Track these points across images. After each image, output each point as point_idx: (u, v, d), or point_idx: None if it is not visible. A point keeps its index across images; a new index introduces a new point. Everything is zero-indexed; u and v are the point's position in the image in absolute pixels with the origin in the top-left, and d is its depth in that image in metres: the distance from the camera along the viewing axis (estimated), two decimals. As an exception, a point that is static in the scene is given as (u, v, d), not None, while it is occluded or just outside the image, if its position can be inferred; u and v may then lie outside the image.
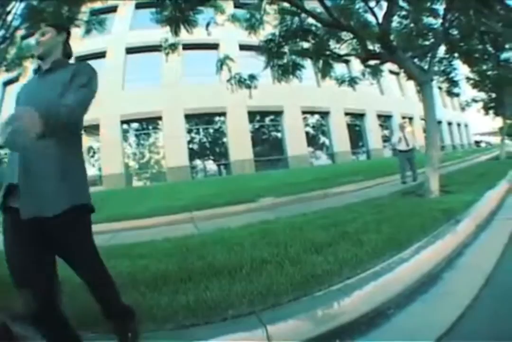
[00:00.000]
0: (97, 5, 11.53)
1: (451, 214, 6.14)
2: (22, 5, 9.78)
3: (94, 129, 24.10)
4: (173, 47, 10.01)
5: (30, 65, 14.07)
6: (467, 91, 23.64)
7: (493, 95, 22.98)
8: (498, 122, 28.22)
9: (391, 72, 28.56)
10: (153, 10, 9.33)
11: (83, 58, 25.15)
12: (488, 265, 4.19)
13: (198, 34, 9.42)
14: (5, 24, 10.03)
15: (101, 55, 25.65)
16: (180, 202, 12.18)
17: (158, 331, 3.06)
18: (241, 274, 4.01)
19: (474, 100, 24.83)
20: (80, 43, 19.80)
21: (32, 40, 12.67)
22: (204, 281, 3.88)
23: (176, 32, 9.02)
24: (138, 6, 24.04)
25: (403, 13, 11.66)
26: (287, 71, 10.64)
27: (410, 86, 27.41)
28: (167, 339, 2.96)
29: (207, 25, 9.62)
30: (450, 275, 4.03)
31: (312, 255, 4.43)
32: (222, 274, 4.07)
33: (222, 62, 10.04)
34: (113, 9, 25.45)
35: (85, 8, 10.75)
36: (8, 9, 9.69)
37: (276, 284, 3.60)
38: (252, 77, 10.70)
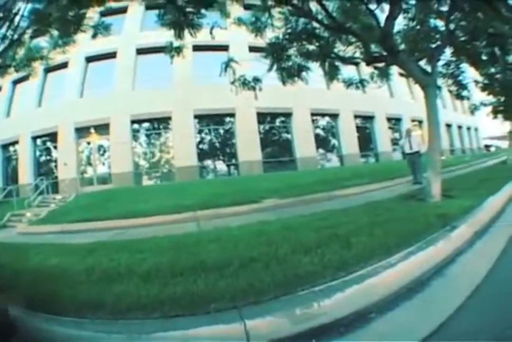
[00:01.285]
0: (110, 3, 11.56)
1: (447, 220, 6.09)
2: (29, 7, 9.91)
3: (104, 128, 24.33)
4: (178, 50, 10.02)
5: (39, 66, 14.24)
6: (477, 95, 23.52)
7: (502, 98, 22.77)
8: (507, 126, 27.98)
9: (401, 74, 28.40)
10: (158, 13, 9.42)
11: (93, 58, 25.39)
12: (478, 274, 4.14)
13: (208, 36, 9.62)
14: (12, 25, 10.16)
15: (111, 55, 25.80)
16: (185, 202, 12.40)
17: (145, 319, 3.26)
18: (228, 270, 4.14)
19: (483, 104, 24.57)
20: (91, 43, 19.96)
21: (41, 41, 12.84)
22: (193, 276, 4.05)
23: (180, 36, 9.14)
24: (148, 7, 24.13)
25: (410, 15, 11.66)
26: (291, 73, 10.68)
27: (420, 89, 27.24)
28: (152, 327, 3.15)
29: (211, 29, 9.64)
30: (437, 283, 4.00)
31: (299, 255, 4.49)
32: (211, 270, 4.24)
33: (227, 64, 10.07)
34: (123, 10, 25.67)
35: (93, 12, 10.84)
36: (15, 11, 9.79)
37: (259, 281, 3.69)
38: (256, 79, 10.74)
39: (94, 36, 11.46)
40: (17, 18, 10.26)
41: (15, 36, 10.82)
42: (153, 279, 4.13)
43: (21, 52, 12.89)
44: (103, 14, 16.71)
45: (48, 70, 24.82)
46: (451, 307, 3.35)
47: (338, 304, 3.35)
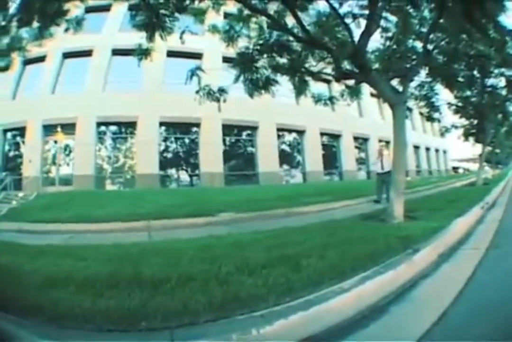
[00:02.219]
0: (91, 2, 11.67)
1: (409, 242, 5.77)
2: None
3: (71, 128, 24.00)
4: (146, 52, 9.77)
5: (17, 57, 13.96)
6: (447, 117, 23.82)
7: (475, 121, 23.02)
8: (478, 148, 28.34)
9: (372, 95, 28.69)
10: (131, 13, 9.27)
11: (70, 55, 24.99)
12: (445, 300, 3.85)
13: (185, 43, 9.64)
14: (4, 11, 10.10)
15: (88, 53, 25.57)
16: (141, 210, 12.34)
17: (78, 330, 3.11)
18: (165, 287, 3.89)
19: (454, 126, 24.88)
20: (70, 39, 19.55)
21: (22, 33, 12.62)
22: (129, 290, 3.81)
23: (151, 38, 8.89)
24: (131, 7, 23.93)
25: (388, 34, 11.64)
26: (258, 85, 10.46)
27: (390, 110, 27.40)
28: (82, 338, 3.07)
29: (182, 33, 9.48)
30: (398, 309, 3.70)
31: (242, 276, 4.19)
32: (147, 285, 3.98)
33: (192, 72, 9.79)
34: (107, 8, 25.34)
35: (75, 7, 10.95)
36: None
37: (195, 302, 3.42)
38: (221, 90, 10.53)
39: (66, 30, 11.30)
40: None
41: (3, 23, 10.71)
42: (89, 289, 3.90)
43: (3, 41, 12.65)
44: (87, 10, 16.48)
45: (27, 62, 24.42)
46: (415, 335, 3.07)
47: (280, 331, 3.03)
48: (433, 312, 3.52)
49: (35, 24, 10.98)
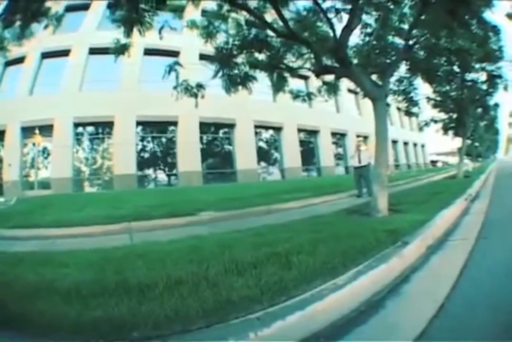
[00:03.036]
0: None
1: (397, 235, 5.72)
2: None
3: (49, 129, 23.60)
4: (124, 48, 9.59)
5: None
6: (425, 112, 23.95)
7: (454, 115, 23.16)
8: (457, 142, 28.53)
9: (349, 90, 28.75)
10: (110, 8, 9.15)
11: (49, 55, 24.70)
12: (440, 292, 3.80)
13: (161, 40, 9.47)
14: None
15: (65, 53, 25.21)
16: (120, 211, 12.14)
17: None
18: (153, 293, 3.69)
19: (434, 121, 25.02)
20: (48, 39, 19.25)
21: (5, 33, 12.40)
22: (115, 298, 3.59)
23: (128, 34, 8.72)
24: (110, 5, 23.71)
25: (368, 30, 11.64)
26: (236, 81, 10.36)
27: (368, 105, 27.51)
28: None
29: (161, 28, 9.26)
30: (393, 304, 3.63)
31: (233, 277, 4.03)
32: (134, 291, 3.77)
33: (171, 67, 9.65)
34: (86, 7, 25.31)
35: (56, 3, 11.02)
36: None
37: (186, 307, 3.25)
38: (199, 85, 10.35)
39: (45, 27, 11.19)
40: None
41: None
42: (73, 298, 3.65)
43: None
44: (67, 9, 16.26)
45: (8, 64, 24.49)
46: (413, 331, 2.99)
47: (278, 333, 2.89)
48: (431, 305, 3.47)
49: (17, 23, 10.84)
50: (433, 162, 62.22)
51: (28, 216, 13.03)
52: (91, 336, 2.88)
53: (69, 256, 6.06)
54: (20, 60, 24.38)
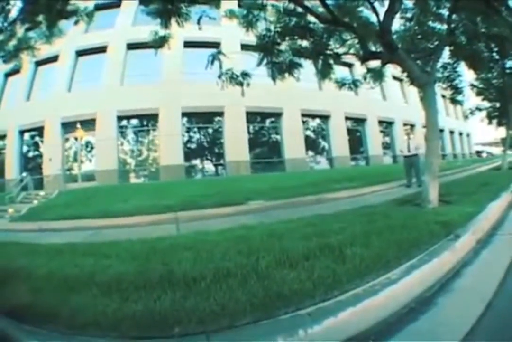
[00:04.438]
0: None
1: (450, 228, 5.52)
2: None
3: (91, 124, 23.89)
4: (163, 39, 9.59)
5: (26, 58, 13.85)
6: (471, 100, 23.34)
7: (497, 104, 22.52)
8: (501, 132, 27.68)
9: (395, 78, 28.11)
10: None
11: (84, 52, 25.05)
12: (488, 289, 3.62)
13: (201, 32, 9.89)
14: (4, 14, 10.03)
15: (102, 50, 25.44)
16: (166, 202, 12.08)
17: (100, 338, 2.86)
18: (199, 286, 3.57)
19: (478, 109, 24.36)
20: (83, 37, 19.50)
21: (30, 33, 12.57)
22: (158, 291, 3.48)
23: (166, 25, 8.74)
24: (142, 1, 23.84)
25: (408, 15, 11.40)
26: (282, 69, 10.23)
27: (413, 93, 26.94)
28: None
29: (199, 19, 9.19)
30: (444, 300, 3.46)
31: (284, 269, 3.88)
32: (179, 284, 3.65)
33: (214, 57, 9.55)
34: (117, 5, 25.61)
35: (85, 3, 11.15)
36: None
37: (234, 302, 3.13)
38: (244, 74, 10.22)
39: (76, 22, 11.34)
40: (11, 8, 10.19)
41: (5, 25, 10.63)
42: (113, 292, 3.55)
43: (10, 43, 12.57)
44: (97, 8, 16.36)
45: (39, 63, 24.75)
46: (463, 329, 2.84)
47: (329, 330, 2.77)
48: (478, 303, 3.30)
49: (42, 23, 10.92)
50: (478, 152, 60.44)
51: (71, 207, 13.28)
52: (128, 330, 2.85)
53: (112, 247, 6.04)
54: (51, 59, 24.82)
